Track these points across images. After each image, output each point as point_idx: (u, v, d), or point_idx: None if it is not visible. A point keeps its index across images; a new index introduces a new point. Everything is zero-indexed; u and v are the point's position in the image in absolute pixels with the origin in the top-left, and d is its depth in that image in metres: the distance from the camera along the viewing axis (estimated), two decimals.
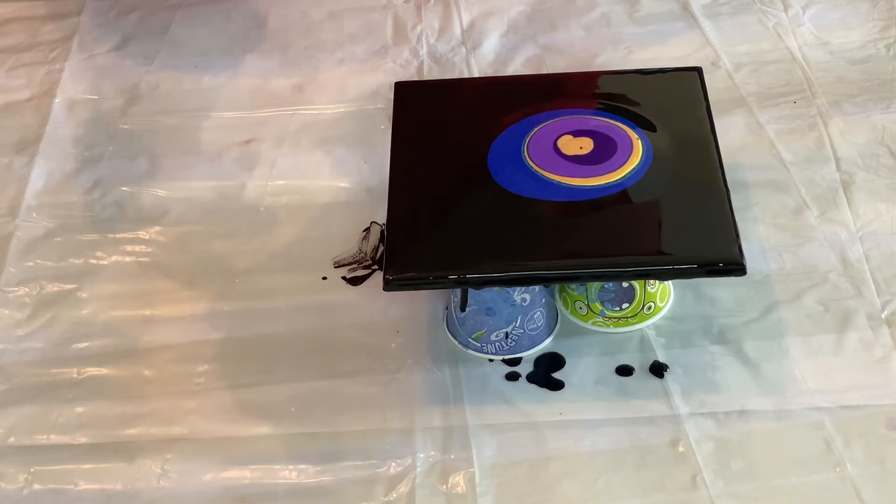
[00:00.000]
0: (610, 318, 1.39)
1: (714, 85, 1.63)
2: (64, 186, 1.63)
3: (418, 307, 1.44)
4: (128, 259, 1.53)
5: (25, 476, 1.29)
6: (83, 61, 1.85)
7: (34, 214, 1.59)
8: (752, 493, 1.23)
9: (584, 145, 1.38)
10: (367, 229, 1.53)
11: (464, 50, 1.83)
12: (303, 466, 1.28)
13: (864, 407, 1.30)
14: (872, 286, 1.42)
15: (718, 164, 1.35)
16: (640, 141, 1.38)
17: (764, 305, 1.41)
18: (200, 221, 1.57)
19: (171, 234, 1.56)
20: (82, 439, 1.33)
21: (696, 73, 1.49)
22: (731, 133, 1.62)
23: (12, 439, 1.33)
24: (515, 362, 1.37)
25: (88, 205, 1.60)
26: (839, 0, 1.86)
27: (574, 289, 1.40)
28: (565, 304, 1.42)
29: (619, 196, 1.33)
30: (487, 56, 1.81)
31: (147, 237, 1.56)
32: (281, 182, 1.62)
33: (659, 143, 1.38)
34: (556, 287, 1.42)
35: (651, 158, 1.36)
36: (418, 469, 1.28)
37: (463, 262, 1.28)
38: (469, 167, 1.38)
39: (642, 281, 1.36)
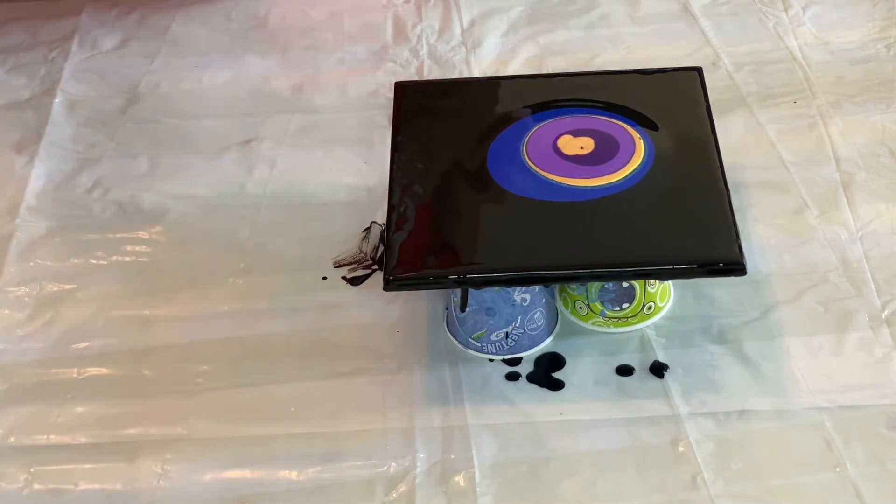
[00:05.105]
0: (610, 318, 1.39)
1: (714, 85, 1.63)
2: (64, 186, 1.63)
3: (418, 307, 1.43)
4: (128, 259, 1.53)
5: (25, 476, 1.29)
6: (83, 61, 1.85)
7: (34, 214, 1.59)
8: (752, 493, 1.23)
9: (585, 145, 1.38)
10: (367, 229, 1.53)
11: (464, 50, 1.83)
12: (303, 466, 1.28)
13: (864, 407, 1.30)
14: (872, 286, 1.42)
15: (718, 164, 1.35)
16: (642, 140, 1.38)
17: (764, 305, 1.41)
18: (200, 221, 1.57)
19: (171, 234, 1.56)
20: (82, 439, 1.32)
21: (696, 73, 1.49)
22: (731, 133, 1.62)
23: (12, 439, 1.33)
24: (515, 362, 1.37)
25: (88, 205, 1.60)
26: (839, 0, 1.86)
27: (574, 289, 1.40)
28: (565, 304, 1.42)
29: (618, 196, 1.32)
30: (487, 56, 1.81)
31: (147, 237, 1.55)
32: (281, 182, 1.62)
33: (660, 143, 1.38)
34: (556, 287, 1.42)
35: (653, 159, 1.36)
36: (418, 469, 1.28)
37: (463, 262, 1.28)
38: (469, 167, 1.38)
39: (642, 281, 1.36)
